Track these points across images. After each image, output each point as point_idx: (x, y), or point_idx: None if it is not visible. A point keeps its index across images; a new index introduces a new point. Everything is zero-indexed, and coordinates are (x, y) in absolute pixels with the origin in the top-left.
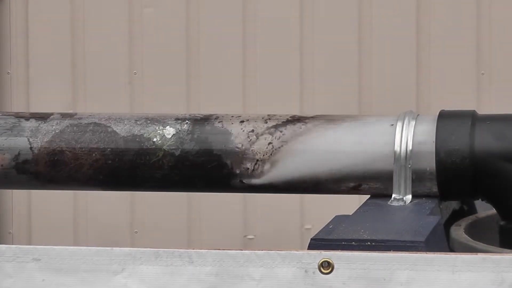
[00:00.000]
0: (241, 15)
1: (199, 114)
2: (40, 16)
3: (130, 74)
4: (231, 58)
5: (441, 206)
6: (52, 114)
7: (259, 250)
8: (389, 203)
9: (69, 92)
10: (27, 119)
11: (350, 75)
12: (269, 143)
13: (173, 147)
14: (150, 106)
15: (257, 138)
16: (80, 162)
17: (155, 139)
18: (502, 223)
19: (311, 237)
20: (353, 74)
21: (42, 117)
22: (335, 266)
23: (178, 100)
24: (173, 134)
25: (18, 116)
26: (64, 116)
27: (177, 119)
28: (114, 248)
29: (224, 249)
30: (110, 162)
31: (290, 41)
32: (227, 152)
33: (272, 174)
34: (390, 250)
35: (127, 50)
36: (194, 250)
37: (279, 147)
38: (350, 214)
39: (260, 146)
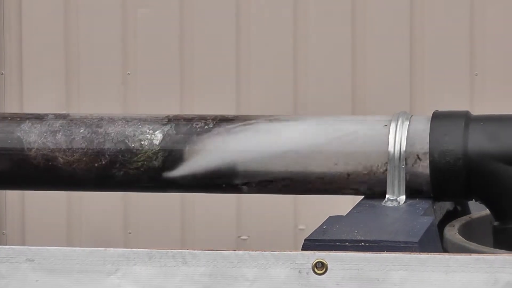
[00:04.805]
0: (235, 15)
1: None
2: (33, 17)
3: (124, 75)
4: (225, 58)
5: (434, 207)
6: (46, 115)
7: (252, 250)
8: (382, 203)
9: (63, 92)
10: (21, 120)
11: (344, 75)
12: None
13: (159, 148)
14: (144, 107)
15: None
16: (72, 163)
17: (143, 142)
18: (495, 223)
19: (305, 237)
20: (347, 74)
21: (36, 118)
22: (329, 267)
23: (171, 100)
24: (161, 136)
25: (12, 117)
26: (57, 117)
27: (168, 120)
28: (107, 248)
29: (217, 250)
30: (102, 162)
31: (283, 41)
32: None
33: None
34: (384, 251)
35: (120, 50)
36: (188, 250)
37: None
38: (344, 214)
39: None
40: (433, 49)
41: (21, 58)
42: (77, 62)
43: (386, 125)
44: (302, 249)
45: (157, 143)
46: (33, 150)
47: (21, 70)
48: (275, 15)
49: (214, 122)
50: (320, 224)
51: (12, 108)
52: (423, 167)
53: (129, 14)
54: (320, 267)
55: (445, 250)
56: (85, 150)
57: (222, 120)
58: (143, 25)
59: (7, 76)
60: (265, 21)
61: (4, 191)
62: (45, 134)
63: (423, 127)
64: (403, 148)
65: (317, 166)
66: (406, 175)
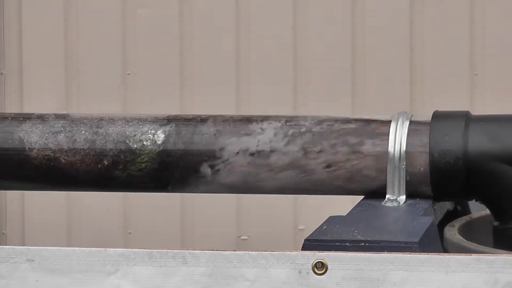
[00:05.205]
0: (235, 15)
1: (187, 114)
2: (33, 17)
3: (124, 75)
4: (225, 58)
5: (434, 207)
6: (47, 114)
7: (252, 251)
8: (383, 203)
9: (62, 92)
10: (22, 120)
11: (344, 75)
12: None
13: (161, 149)
14: (143, 107)
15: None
16: (74, 164)
17: (145, 142)
18: (495, 223)
19: (305, 237)
20: (347, 75)
21: (37, 118)
22: (329, 267)
23: (171, 101)
24: (163, 136)
25: (13, 117)
26: (58, 117)
27: (168, 120)
28: (107, 249)
29: (217, 250)
30: (105, 163)
31: (283, 41)
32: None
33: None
34: (384, 251)
35: (120, 50)
36: (188, 250)
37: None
38: (344, 214)
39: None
40: (433, 49)
41: (21, 58)
42: (77, 62)
43: (386, 125)
44: (302, 249)
45: (160, 143)
46: (35, 150)
47: (21, 70)
48: (275, 15)
49: (215, 122)
50: (320, 224)
51: (12, 108)
52: (423, 167)
53: (129, 14)
54: (320, 267)
55: (445, 250)
56: (87, 151)
57: (222, 120)
58: (143, 25)
59: (7, 76)
60: (265, 20)
61: (5, 191)
62: (46, 134)
63: (423, 127)
64: (403, 148)
65: (317, 166)
66: (406, 175)
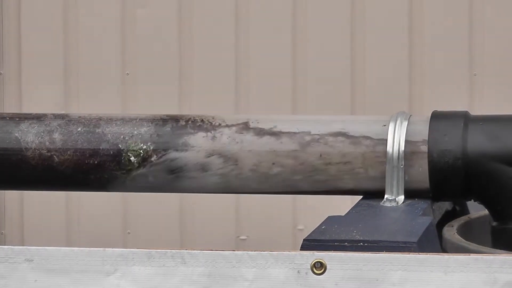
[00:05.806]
0: (234, 15)
1: (189, 114)
2: (32, 16)
3: (123, 75)
4: (224, 59)
5: (433, 207)
6: (45, 115)
7: (251, 251)
8: (381, 203)
9: (61, 92)
10: (19, 120)
11: (343, 75)
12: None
13: (157, 148)
14: (143, 107)
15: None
16: (69, 163)
17: (142, 143)
18: (494, 223)
19: (304, 237)
20: (346, 74)
21: (35, 118)
22: (328, 267)
23: (170, 101)
24: (161, 136)
25: (11, 117)
26: (56, 117)
27: (167, 119)
28: (106, 249)
29: (216, 250)
30: (100, 163)
31: (282, 41)
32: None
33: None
34: (383, 251)
35: (120, 50)
36: (187, 250)
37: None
38: (343, 214)
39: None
40: (432, 49)
41: (19, 58)
42: (76, 62)
43: (384, 125)
44: (301, 249)
45: (156, 143)
46: (31, 150)
47: (19, 70)
48: (274, 15)
49: (213, 122)
50: (319, 224)
51: (11, 108)
52: (422, 167)
53: (128, 14)
54: (319, 267)
55: (444, 250)
56: (82, 150)
57: (221, 120)
58: (142, 25)
59: (6, 76)
60: (264, 20)
61: (3, 191)
62: (42, 134)
63: (422, 127)
64: (402, 148)
65: (315, 166)
66: (404, 175)
